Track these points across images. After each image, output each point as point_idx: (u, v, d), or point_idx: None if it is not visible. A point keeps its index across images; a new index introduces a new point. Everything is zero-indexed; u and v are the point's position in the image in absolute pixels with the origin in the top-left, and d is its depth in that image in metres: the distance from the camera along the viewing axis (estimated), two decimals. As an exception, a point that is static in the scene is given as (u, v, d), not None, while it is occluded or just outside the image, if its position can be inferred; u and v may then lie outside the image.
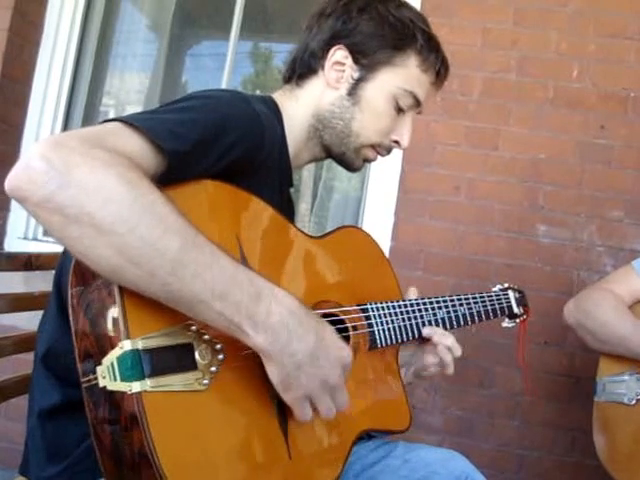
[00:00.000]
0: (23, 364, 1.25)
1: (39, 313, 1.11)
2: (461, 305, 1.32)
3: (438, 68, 1.22)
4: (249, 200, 1.01)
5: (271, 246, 1.04)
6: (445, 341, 1.23)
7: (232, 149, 0.97)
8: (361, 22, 1.17)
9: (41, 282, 1.32)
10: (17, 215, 2.66)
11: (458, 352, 1.24)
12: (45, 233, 2.71)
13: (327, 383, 0.89)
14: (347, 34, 1.18)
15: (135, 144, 0.85)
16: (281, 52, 3.34)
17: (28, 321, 1.25)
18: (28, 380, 1.17)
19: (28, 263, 1.30)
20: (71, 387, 0.91)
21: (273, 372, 0.85)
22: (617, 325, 1.69)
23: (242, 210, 1.00)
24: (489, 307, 1.39)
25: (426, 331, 1.24)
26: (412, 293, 1.31)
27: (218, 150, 0.95)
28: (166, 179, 0.87)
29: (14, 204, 2.64)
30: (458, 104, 2.46)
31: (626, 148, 2.38)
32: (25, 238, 2.69)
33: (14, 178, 0.76)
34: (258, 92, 3.30)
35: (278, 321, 0.83)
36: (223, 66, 2.79)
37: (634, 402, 1.65)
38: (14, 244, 2.66)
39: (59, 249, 1.00)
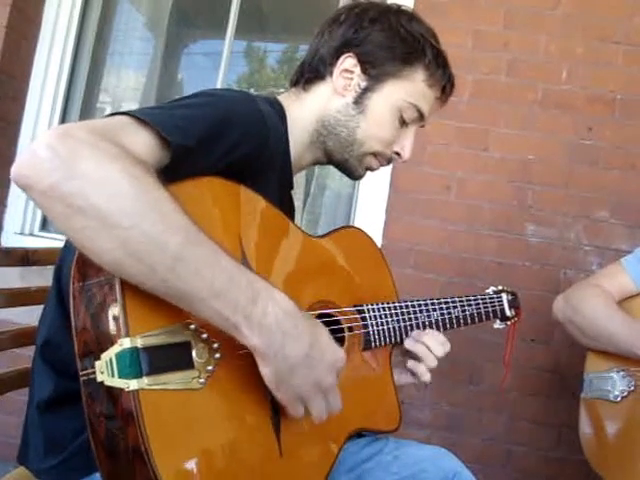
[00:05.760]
0: (19, 359, 1.26)
1: (35, 308, 1.11)
2: (455, 307, 1.32)
3: (444, 84, 1.23)
4: (252, 198, 1.01)
5: (272, 245, 1.05)
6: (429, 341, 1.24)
7: (236, 147, 0.97)
8: (372, 32, 1.17)
9: (37, 277, 1.33)
10: (14, 210, 2.65)
11: (439, 352, 1.24)
12: (42, 228, 2.71)
13: (320, 385, 0.90)
14: (358, 43, 1.17)
15: (142, 138, 0.84)
16: (275, 52, 3.35)
17: (24, 316, 1.26)
18: (24, 374, 1.18)
19: (25, 258, 1.29)
20: (68, 379, 0.92)
21: (266, 373, 0.86)
22: (606, 322, 1.68)
23: (245, 208, 1.00)
24: (482, 310, 1.38)
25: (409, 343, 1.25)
26: None
27: (222, 147, 0.95)
28: (170, 173, 0.86)
29: (11, 199, 2.63)
30: (449, 105, 2.39)
31: (613, 149, 2.40)
32: (22, 233, 2.67)
33: (19, 166, 0.76)
34: (252, 90, 3.32)
35: (274, 322, 0.83)
36: (218, 65, 2.79)
37: (619, 399, 1.65)
38: (11, 239, 2.65)
39: (56, 244, 1.00)
